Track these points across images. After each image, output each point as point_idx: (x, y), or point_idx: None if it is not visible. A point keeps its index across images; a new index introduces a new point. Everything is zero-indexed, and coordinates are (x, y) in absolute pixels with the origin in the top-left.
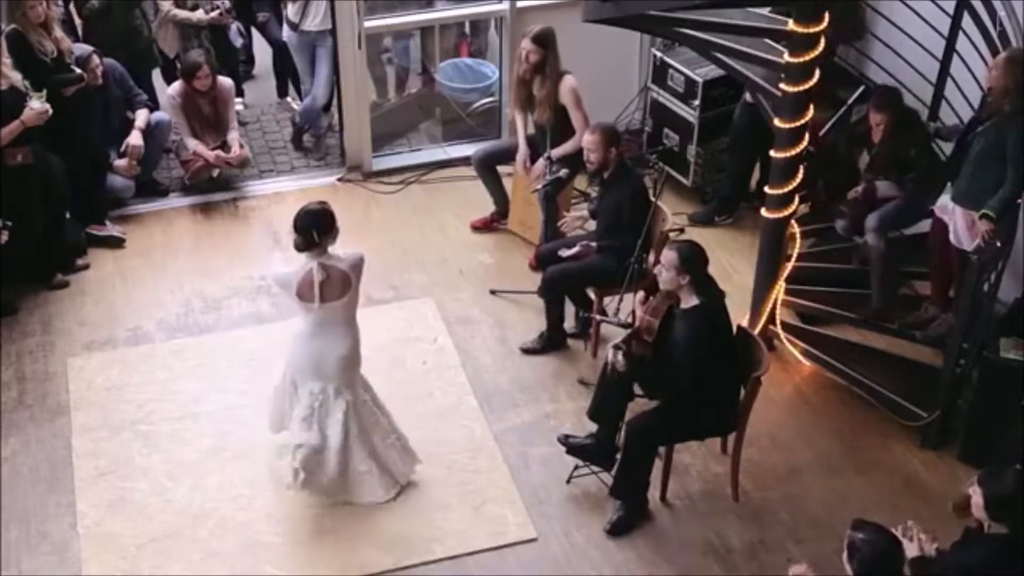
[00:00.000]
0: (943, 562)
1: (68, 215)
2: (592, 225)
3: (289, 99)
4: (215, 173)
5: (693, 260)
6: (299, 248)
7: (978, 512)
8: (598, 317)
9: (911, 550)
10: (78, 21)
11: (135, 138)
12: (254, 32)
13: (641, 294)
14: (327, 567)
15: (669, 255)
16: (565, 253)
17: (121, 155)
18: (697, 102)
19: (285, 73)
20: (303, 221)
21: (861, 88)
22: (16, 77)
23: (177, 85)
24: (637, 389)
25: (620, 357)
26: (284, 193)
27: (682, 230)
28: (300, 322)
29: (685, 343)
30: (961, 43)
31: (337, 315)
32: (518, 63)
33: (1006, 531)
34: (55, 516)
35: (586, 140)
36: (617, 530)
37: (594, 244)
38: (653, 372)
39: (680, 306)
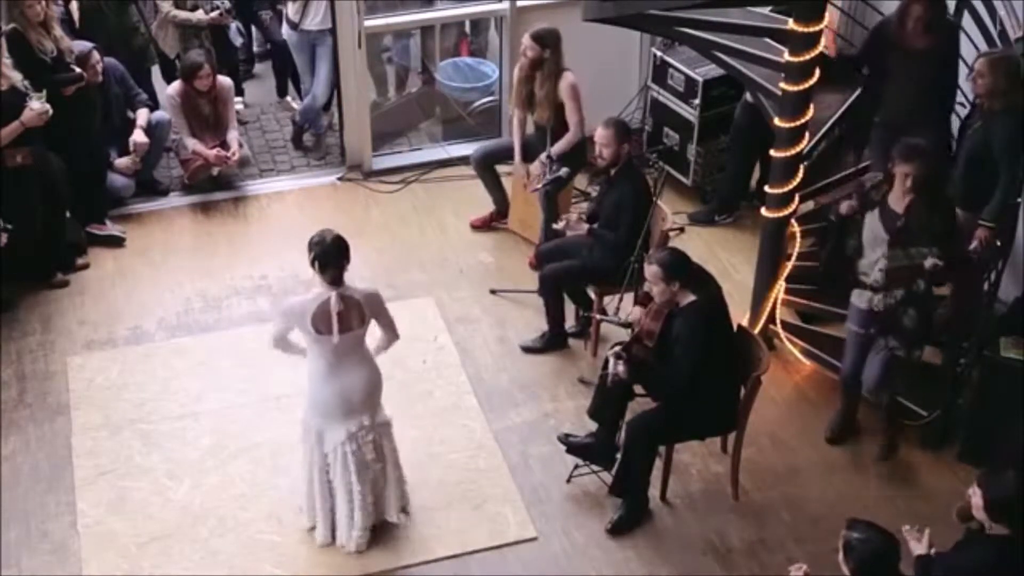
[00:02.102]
0: (944, 563)
1: (68, 215)
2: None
3: (289, 98)
4: (215, 172)
5: (675, 266)
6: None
7: (978, 513)
8: (598, 316)
9: (918, 548)
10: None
11: (139, 135)
12: (254, 31)
13: (640, 297)
14: (327, 567)
15: (651, 270)
16: (559, 227)
17: (121, 154)
18: (697, 101)
19: (285, 72)
20: (340, 253)
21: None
22: (16, 77)
23: (176, 85)
24: (638, 388)
25: (621, 367)
26: (284, 192)
27: (682, 229)
28: (313, 363)
29: (684, 338)
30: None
31: (355, 344)
32: (521, 60)
33: (1007, 532)
34: (55, 515)
35: (599, 135)
36: (617, 529)
37: (583, 228)
38: (655, 374)
39: (678, 305)
